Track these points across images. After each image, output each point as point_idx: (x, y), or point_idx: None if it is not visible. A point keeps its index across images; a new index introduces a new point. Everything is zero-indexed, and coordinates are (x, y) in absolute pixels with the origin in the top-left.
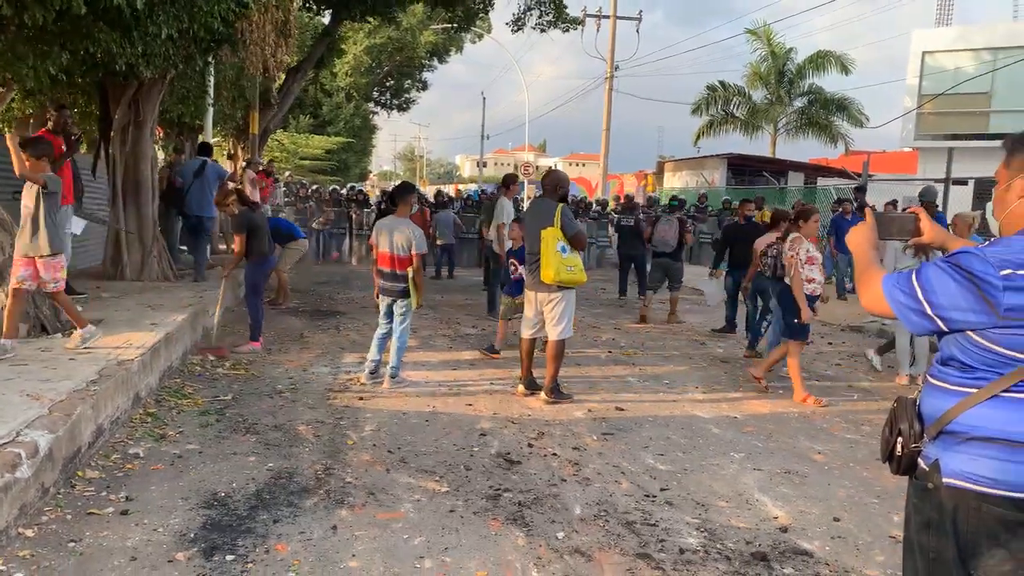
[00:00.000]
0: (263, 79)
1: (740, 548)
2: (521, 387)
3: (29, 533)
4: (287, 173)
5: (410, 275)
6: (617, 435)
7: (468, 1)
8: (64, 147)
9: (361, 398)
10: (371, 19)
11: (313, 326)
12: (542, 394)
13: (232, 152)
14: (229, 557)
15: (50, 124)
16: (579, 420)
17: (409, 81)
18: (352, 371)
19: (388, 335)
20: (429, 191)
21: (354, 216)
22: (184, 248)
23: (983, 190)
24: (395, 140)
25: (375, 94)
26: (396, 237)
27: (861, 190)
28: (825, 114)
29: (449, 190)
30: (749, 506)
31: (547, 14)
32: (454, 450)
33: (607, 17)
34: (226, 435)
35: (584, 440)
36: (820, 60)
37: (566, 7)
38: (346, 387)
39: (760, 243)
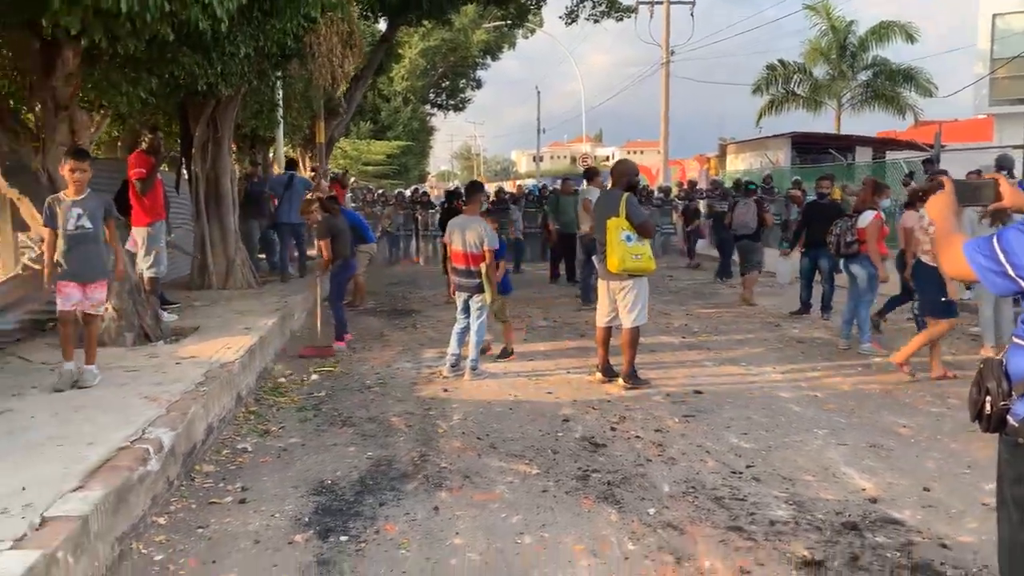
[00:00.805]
0: (329, 89)
1: (830, 519)
2: (598, 374)
3: (161, 521)
4: (352, 179)
5: (483, 271)
6: (698, 417)
7: None
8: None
9: (446, 390)
10: (426, 23)
11: (391, 325)
12: (620, 380)
13: (299, 162)
14: (343, 538)
15: (144, 145)
16: (659, 404)
17: (463, 81)
18: (433, 365)
19: (466, 330)
20: (490, 189)
21: (419, 217)
22: (262, 256)
23: None
24: (451, 140)
25: (431, 96)
26: (468, 235)
27: (931, 162)
28: (891, 86)
29: (508, 186)
30: (836, 479)
31: (600, 4)
32: (540, 435)
33: (660, 2)
34: (324, 428)
35: (666, 423)
36: (883, 30)
37: None
38: (430, 380)
39: (908, 220)
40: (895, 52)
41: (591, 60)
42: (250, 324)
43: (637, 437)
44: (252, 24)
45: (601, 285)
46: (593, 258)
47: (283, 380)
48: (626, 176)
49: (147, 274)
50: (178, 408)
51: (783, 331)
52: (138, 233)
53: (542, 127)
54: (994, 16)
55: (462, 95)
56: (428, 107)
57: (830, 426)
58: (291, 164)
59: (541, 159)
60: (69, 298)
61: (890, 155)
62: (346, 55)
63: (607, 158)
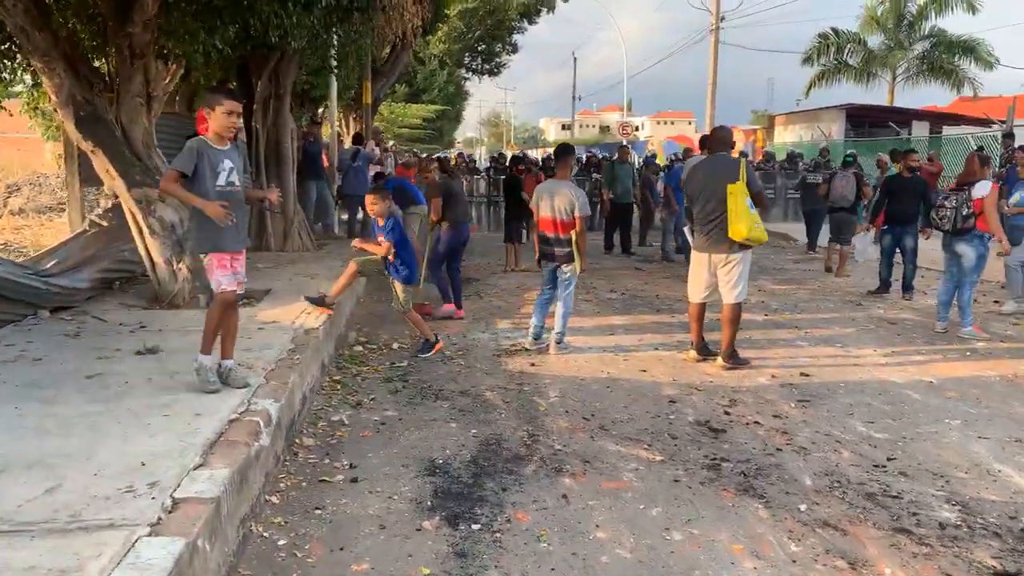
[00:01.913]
0: (376, 48)
1: (1005, 523)
2: (693, 352)
3: (275, 500)
4: (391, 143)
5: (573, 239)
6: (814, 402)
7: None
8: None
9: (533, 364)
10: None
11: (472, 288)
12: (719, 359)
13: (343, 122)
14: (475, 527)
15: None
16: (766, 387)
17: (500, 45)
18: (509, 336)
19: (550, 300)
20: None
21: (465, 183)
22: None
23: None
24: (480, 106)
25: (466, 60)
26: (557, 200)
27: (1011, 136)
28: (949, 58)
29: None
30: (992, 477)
31: None
32: (649, 418)
33: None
34: (417, 401)
35: (781, 407)
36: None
37: None
38: (513, 353)
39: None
40: (953, 23)
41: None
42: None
43: (756, 423)
44: None
45: (698, 258)
46: (684, 228)
47: (360, 348)
48: (728, 142)
49: None
50: (276, 377)
51: (867, 310)
52: None
53: (578, 95)
54: None
55: (497, 59)
56: (463, 71)
57: (961, 416)
58: (357, 138)
59: (570, 127)
60: (236, 274)
61: (947, 130)
62: (416, 9)
63: (636, 128)
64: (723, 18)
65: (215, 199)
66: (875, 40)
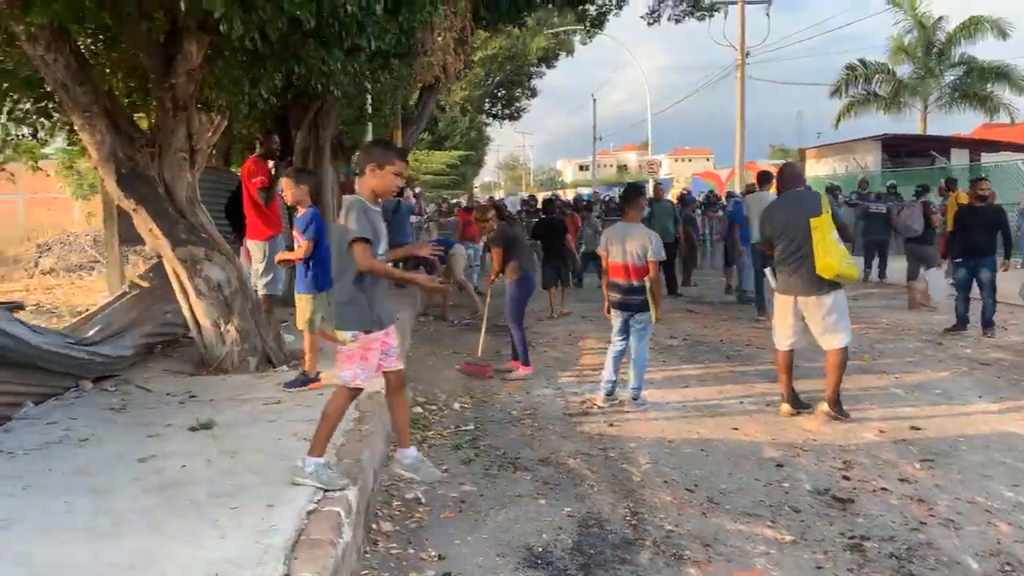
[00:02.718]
0: (406, 95)
1: None
2: (786, 406)
3: None
4: (417, 189)
5: (648, 285)
6: (939, 461)
7: None
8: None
9: (611, 424)
10: (501, 26)
11: (503, 343)
12: (822, 408)
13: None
14: None
15: (259, 149)
16: (877, 444)
17: (519, 89)
18: (576, 392)
19: (623, 352)
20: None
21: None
22: None
23: None
24: (498, 150)
25: (487, 105)
26: (630, 244)
27: None
28: (982, 84)
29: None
30: None
31: (682, 3)
32: (760, 487)
33: (734, 3)
34: (495, 472)
35: (904, 469)
36: (973, 26)
37: None
38: (585, 412)
39: None
40: (984, 50)
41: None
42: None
43: (884, 489)
44: (374, 15)
45: (783, 301)
46: (767, 271)
47: (420, 410)
48: (800, 178)
49: (263, 291)
50: (348, 454)
51: (951, 351)
52: (257, 247)
53: (599, 135)
54: None
55: (517, 104)
56: (484, 117)
57: None
58: (398, 191)
59: (586, 168)
60: (389, 351)
61: (985, 157)
62: (458, 54)
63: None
64: (748, 54)
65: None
66: (904, 69)
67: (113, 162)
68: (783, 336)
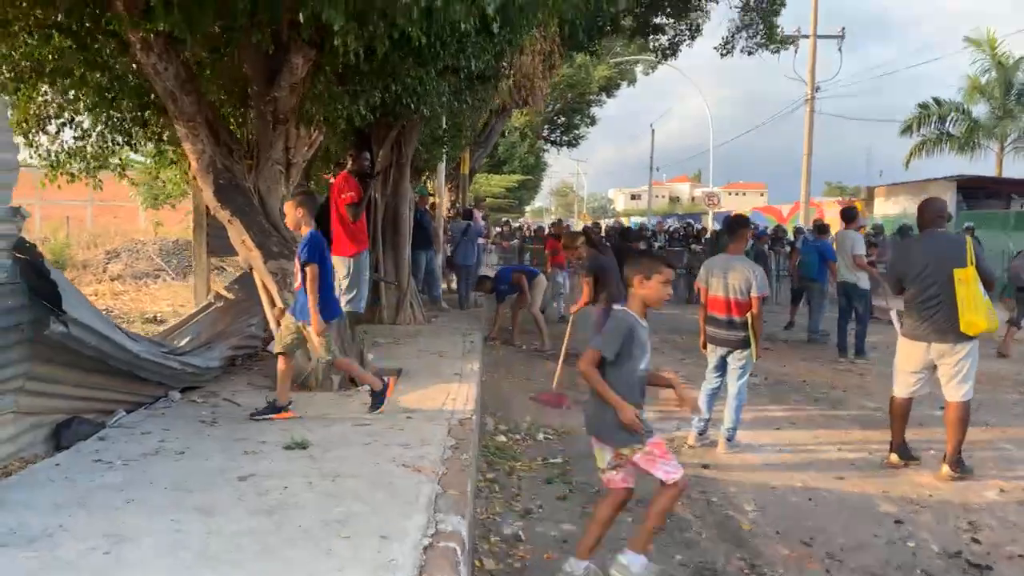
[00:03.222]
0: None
1: None
2: (895, 456)
3: None
4: (484, 212)
5: (750, 321)
6: None
7: (677, 26)
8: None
9: (706, 466)
10: (574, 53)
11: (572, 371)
12: (944, 468)
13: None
14: None
15: (350, 165)
16: (1002, 505)
17: (578, 117)
18: (661, 428)
19: (719, 390)
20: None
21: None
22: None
23: None
24: (550, 177)
25: (545, 131)
26: (732, 278)
27: None
28: None
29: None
30: None
31: (756, 35)
32: (882, 544)
33: (806, 37)
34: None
35: None
36: None
37: (778, 27)
38: (677, 450)
39: None
40: None
41: (699, 98)
42: (456, 368)
43: (1022, 556)
44: (471, 37)
45: (911, 347)
46: (892, 314)
47: (503, 439)
48: (944, 215)
49: (346, 308)
50: (453, 485)
51: None
52: (341, 263)
53: (656, 166)
54: None
55: (576, 131)
56: (542, 143)
57: None
58: (468, 214)
59: (638, 197)
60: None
61: None
62: (545, 76)
63: (719, 199)
64: (818, 88)
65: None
66: (979, 110)
67: (212, 172)
68: (905, 383)
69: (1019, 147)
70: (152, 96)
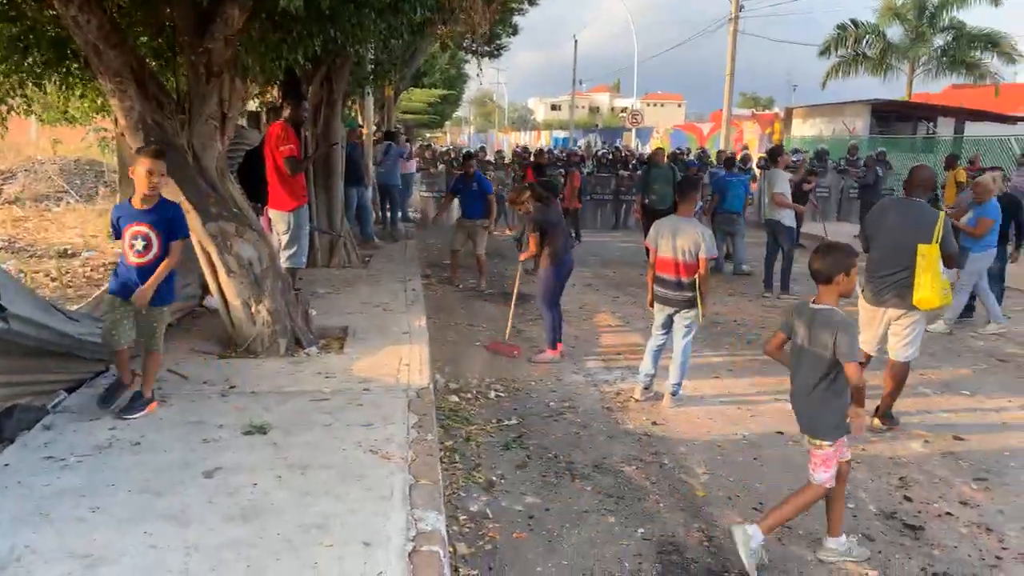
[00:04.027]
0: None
1: None
2: (877, 421)
3: None
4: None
5: (697, 283)
6: (992, 480)
7: None
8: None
9: (655, 423)
10: None
11: (525, 321)
12: (875, 420)
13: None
14: None
15: (286, 114)
16: (927, 457)
17: (500, 27)
18: (607, 380)
19: (663, 347)
20: (511, 139)
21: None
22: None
23: None
24: (469, 89)
25: (466, 42)
26: (680, 240)
27: None
28: (971, 51)
29: (530, 139)
30: None
31: None
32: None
33: None
34: (552, 481)
35: (962, 490)
36: None
37: None
38: (624, 405)
39: None
40: (975, 16)
41: (622, 12)
42: (403, 325)
43: (948, 514)
44: None
45: (868, 311)
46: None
47: (455, 398)
48: (928, 187)
49: (287, 264)
50: (424, 473)
51: (964, 341)
52: (280, 218)
53: (579, 79)
54: None
55: (498, 41)
56: (462, 53)
57: None
58: (389, 135)
59: (558, 108)
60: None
61: (969, 127)
62: (485, 9)
63: (624, 109)
64: (742, 7)
65: None
66: (894, 32)
67: (142, 130)
68: (870, 345)
69: (928, 70)
70: (71, 48)
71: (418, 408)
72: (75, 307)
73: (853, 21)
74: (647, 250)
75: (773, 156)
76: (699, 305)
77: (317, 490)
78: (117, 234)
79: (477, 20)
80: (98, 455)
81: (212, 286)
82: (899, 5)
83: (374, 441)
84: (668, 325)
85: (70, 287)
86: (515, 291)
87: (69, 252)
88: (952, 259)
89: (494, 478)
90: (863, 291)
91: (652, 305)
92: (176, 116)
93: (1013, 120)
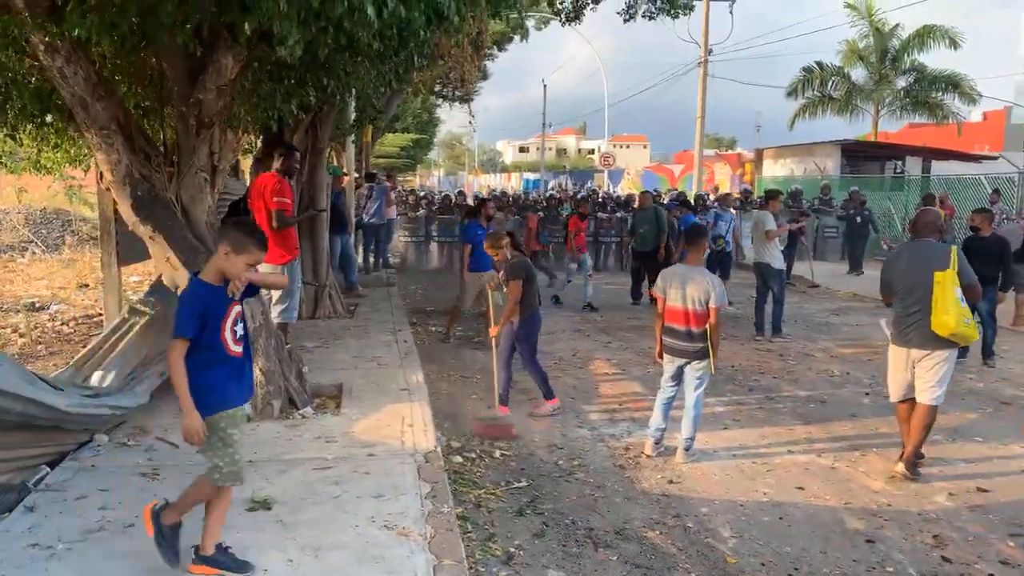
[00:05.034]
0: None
1: None
2: (901, 466)
3: None
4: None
5: (708, 333)
6: None
7: None
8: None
9: (671, 481)
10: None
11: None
12: (899, 466)
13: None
14: None
15: (278, 165)
16: (955, 512)
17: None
18: (613, 433)
19: (673, 399)
20: (481, 181)
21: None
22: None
23: None
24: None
25: (437, 87)
26: (691, 289)
27: None
28: (933, 92)
29: (499, 180)
30: None
31: (657, 1)
32: (863, 571)
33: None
34: (574, 550)
35: (999, 548)
36: (926, 35)
37: None
38: (636, 462)
39: None
40: (935, 59)
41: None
42: (400, 381)
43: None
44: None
45: (896, 353)
46: (881, 321)
47: (460, 459)
48: (937, 227)
49: (278, 320)
50: (446, 552)
51: (962, 383)
52: (272, 272)
53: (549, 122)
54: None
55: (469, 86)
56: (434, 98)
57: None
58: (370, 177)
59: (526, 150)
60: None
61: (936, 165)
62: (474, 57)
63: (591, 151)
64: (711, 51)
65: None
66: (858, 74)
67: (129, 184)
68: (897, 389)
69: (893, 110)
70: (53, 98)
71: (428, 475)
72: (48, 364)
73: (818, 63)
74: (651, 298)
75: (767, 198)
76: (711, 355)
77: (334, 575)
78: (198, 329)
79: (466, 67)
80: (89, 540)
81: None
82: (862, 48)
83: (388, 515)
84: (678, 377)
85: (40, 343)
86: (494, 357)
87: (37, 305)
88: (973, 289)
89: (512, 549)
90: (891, 335)
91: (661, 356)
92: (164, 169)
93: (978, 159)
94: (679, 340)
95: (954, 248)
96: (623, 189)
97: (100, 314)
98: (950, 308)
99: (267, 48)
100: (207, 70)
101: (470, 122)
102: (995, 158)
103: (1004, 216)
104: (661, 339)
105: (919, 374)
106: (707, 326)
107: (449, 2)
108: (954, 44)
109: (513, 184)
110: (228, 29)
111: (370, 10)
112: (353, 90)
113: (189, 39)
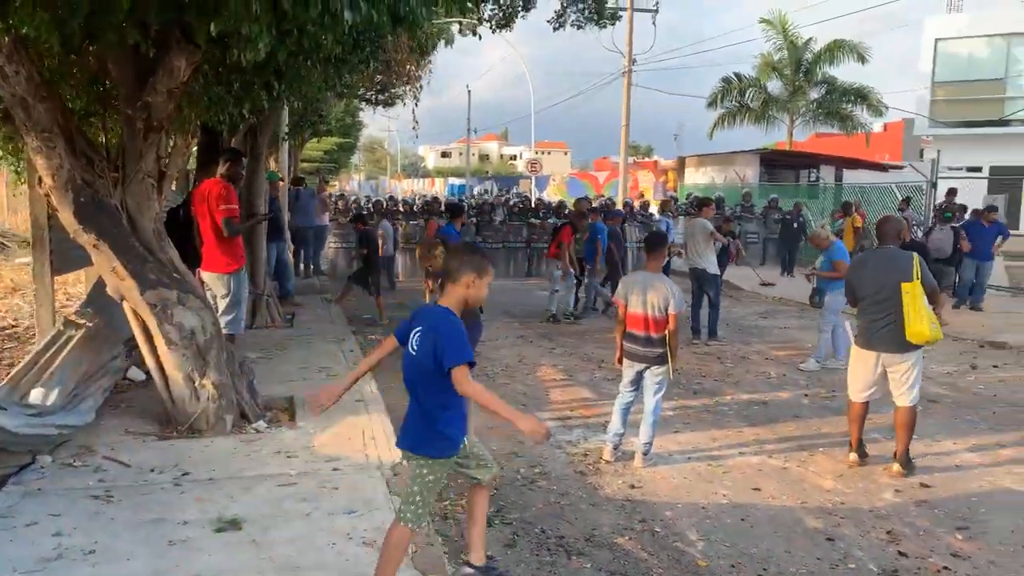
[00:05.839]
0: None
1: None
2: (854, 455)
3: None
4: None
5: (667, 339)
6: (973, 529)
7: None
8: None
9: (633, 486)
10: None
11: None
12: (895, 466)
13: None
14: None
15: (223, 171)
16: (903, 507)
17: (395, 76)
18: (570, 440)
19: (632, 404)
20: (404, 186)
21: (400, 229)
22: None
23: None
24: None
25: (361, 91)
26: (651, 296)
27: (954, 192)
28: (842, 104)
29: (424, 185)
30: None
31: (587, 11)
32: (827, 569)
33: (624, 10)
34: (547, 559)
35: (949, 541)
36: (836, 49)
37: (607, 2)
38: (596, 468)
39: None
40: (845, 72)
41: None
42: (353, 391)
43: (946, 568)
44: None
45: (861, 355)
46: (845, 324)
47: None
48: (899, 234)
49: (225, 331)
50: (431, 568)
51: None
52: (219, 281)
53: (471, 127)
54: (936, 40)
55: (392, 90)
56: (356, 101)
57: None
58: (297, 180)
59: (448, 155)
60: None
61: (848, 173)
62: (418, 62)
63: (513, 157)
64: (635, 61)
65: None
66: (774, 85)
67: (71, 190)
68: (859, 389)
69: (807, 120)
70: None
71: (398, 490)
72: None
73: (736, 75)
74: (616, 306)
75: (698, 205)
76: (670, 360)
77: None
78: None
79: (412, 72)
80: (47, 570)
81: (148, 359)
82: (777, 61)
83: (364, 531)
84: (637, 382)
85: None
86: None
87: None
88: (936, 294)
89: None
90: (856, 338)
91: (620, 362)
92: (108, 174)
93: (884, 168)
94: (638, 345)
95: (915, 256)
96: (549, 195)
97: (14, 326)
98: (923, 317)
99: (220, 51)
100: (158, 72)
101: (414, 127)
102: (901, 167)
103: (913, 223)
104: (621, 344)
105: (894, 379)
106: (666, 332)
107: (417, 3)
108: (862, 58)
109: (436, 188)
110: (182, 30)
111: (347, 14)
112: (307, 94)
113: (141, 39)
